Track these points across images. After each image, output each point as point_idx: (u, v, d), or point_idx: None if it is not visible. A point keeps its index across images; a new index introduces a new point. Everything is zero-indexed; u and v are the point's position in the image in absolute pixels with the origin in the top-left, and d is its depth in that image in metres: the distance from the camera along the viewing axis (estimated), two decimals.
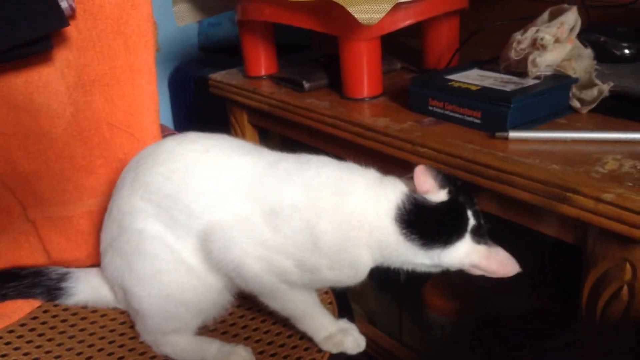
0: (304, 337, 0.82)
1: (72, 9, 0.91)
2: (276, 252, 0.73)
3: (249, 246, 0.74)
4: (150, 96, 0.99)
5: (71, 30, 0.93)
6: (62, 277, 0.89)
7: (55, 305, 0.91)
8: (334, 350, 0.80)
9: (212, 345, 0.81)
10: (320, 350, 0.80)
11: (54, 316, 0.89)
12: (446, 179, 0.73)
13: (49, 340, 0.84)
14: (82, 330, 0.86)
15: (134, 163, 0.83)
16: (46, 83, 0.94)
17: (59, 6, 0.87)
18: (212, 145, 0.81)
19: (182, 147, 0.81)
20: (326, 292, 0.91)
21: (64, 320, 0.88)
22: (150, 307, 0.80)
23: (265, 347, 0.82)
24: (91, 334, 0.85)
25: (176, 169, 0.78)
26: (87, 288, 0.89)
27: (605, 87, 0.90)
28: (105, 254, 0.85)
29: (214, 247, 0.75)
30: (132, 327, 0.86)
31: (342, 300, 0.90)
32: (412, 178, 0.73)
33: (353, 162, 0.78)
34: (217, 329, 0.86)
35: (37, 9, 0.85)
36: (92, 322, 0.88)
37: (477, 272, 0.73)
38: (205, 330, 0.85)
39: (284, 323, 0.84)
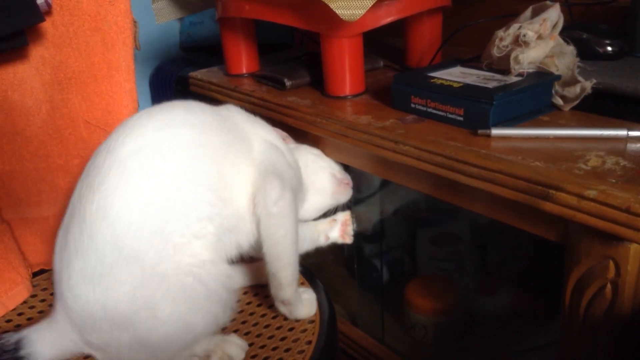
0: (293, 328, 0.83)
1: (48, 5, 0.89)
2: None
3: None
4: (128, 94, 0.98)
5: (47, 26, 0.92)
6: (18, 345, 0.78)
7: None
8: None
9: None
10: (309, 342, 0.80)
11: None
12: None
13: None
14: None
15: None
16: (21, 80, 0.92)
17: (34, 1, 0.86)
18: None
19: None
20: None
21: None
22: (176, 326, 0.73)
23: (254, 340, 0.81)
24: None
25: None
26: (46, 348, 0.78)
27: (588, 84, 0.90)
28: (93, 286, 0.73)
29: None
30: None
31: (325, 301, 0.89)
32: None
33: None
34: None
35: (11, 4, 0.83)
36: None
37: None
38: None
39: (273, 315, 0.85)
